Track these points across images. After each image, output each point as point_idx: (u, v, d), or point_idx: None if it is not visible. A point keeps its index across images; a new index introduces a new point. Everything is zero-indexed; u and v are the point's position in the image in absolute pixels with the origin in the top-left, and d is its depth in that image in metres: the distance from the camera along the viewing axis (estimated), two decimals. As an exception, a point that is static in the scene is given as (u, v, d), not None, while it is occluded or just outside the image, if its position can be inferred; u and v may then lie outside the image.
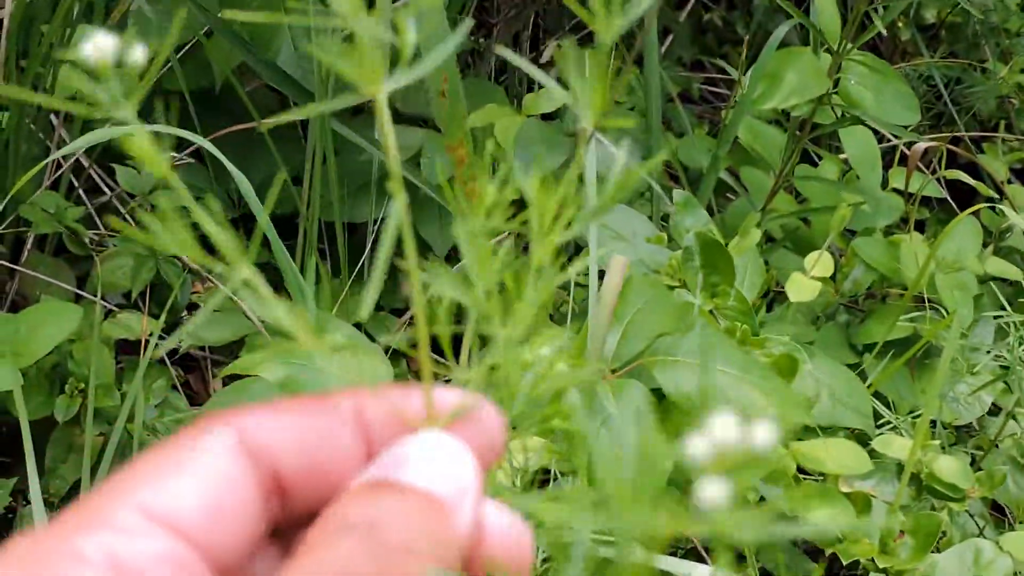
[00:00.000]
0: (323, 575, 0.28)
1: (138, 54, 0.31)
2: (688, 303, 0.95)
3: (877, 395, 1.28)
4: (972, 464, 1.26)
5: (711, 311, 1.01)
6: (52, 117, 1.34)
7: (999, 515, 1.33)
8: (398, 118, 1.39)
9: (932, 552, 1.01)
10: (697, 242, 0.97)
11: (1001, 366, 1.38)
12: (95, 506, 0.29)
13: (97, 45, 0.31)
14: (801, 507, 0.94)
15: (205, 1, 1.16)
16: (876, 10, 1.26)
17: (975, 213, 1.42)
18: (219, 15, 1.16)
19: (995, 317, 1.43)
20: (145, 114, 0.32)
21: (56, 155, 1.11)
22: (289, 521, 0.32)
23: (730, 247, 1.09)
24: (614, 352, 0.87)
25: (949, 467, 1.12)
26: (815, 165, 1.61)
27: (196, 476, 0.30)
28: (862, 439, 1.13)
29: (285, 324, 0.33)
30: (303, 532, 0.30)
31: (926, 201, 1.66)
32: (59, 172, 1.33)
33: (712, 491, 0.25)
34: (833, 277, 1.43)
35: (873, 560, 0.97)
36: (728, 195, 1.64)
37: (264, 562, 0.32)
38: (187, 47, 1.33)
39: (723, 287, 1.03)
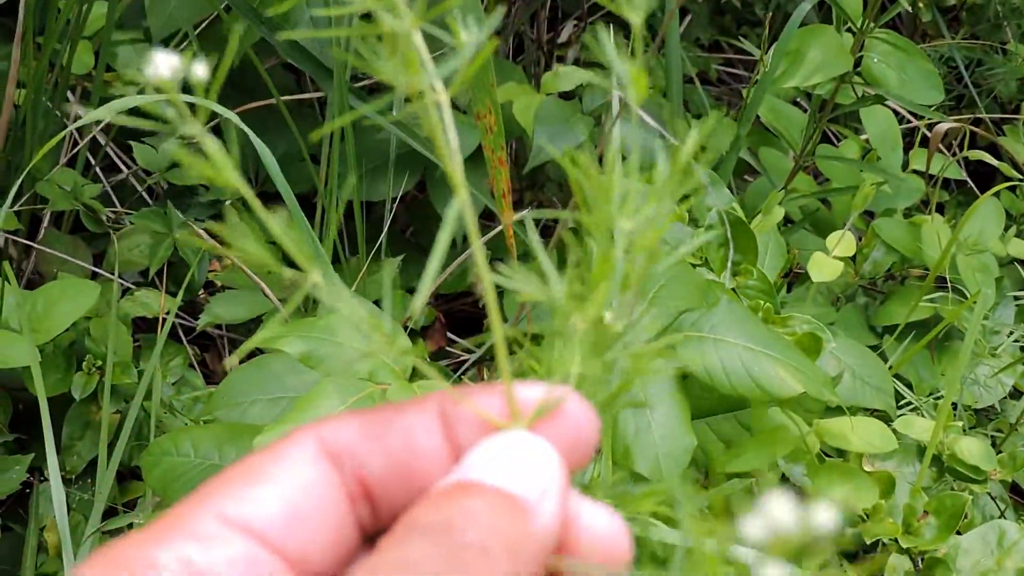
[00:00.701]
0: (391, 574, 0.28)
1: (200, 71, 0.32)
2: (712, 281, 0.94)
3: (897, 377, 1.27)
4: (992, 447, 1.25)
5: (733, 289, 1.00)
6: (69, 94, 1.34)
7: (1019, 498, 1.32)
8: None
9: (955, 533, 1.00)
10: (726, 220, 0.96)
11: (1022, 348, 1.37)
12: (175, 516, 0.30)
13: (161, 65, 0.31)
14: (824, 485, 0.93)
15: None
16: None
17: (996, 194, 1.41)
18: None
19: (1016, 299, 1.42)
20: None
21: (72, 127, 1.10)
22: (382, 528, 0.32)
23: (752, 226, 1.08)
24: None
25: (971, 449, 1.11)
26: (834, 146, 1.60)
27: (276, 483, 0.30)
28: (883, 420, 1.13)
29: (364, 325, 0.32)
30: None
31: (945, 184, 1.64)
32: (76, 149, 1.32)
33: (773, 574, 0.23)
34: (852, 259, 1.42)
35: (896, 540, 0.96)
36: (745, 176, 1.63)
37: None
38: (205, 23, 1.32)
39: (746, 266, 1.02)
